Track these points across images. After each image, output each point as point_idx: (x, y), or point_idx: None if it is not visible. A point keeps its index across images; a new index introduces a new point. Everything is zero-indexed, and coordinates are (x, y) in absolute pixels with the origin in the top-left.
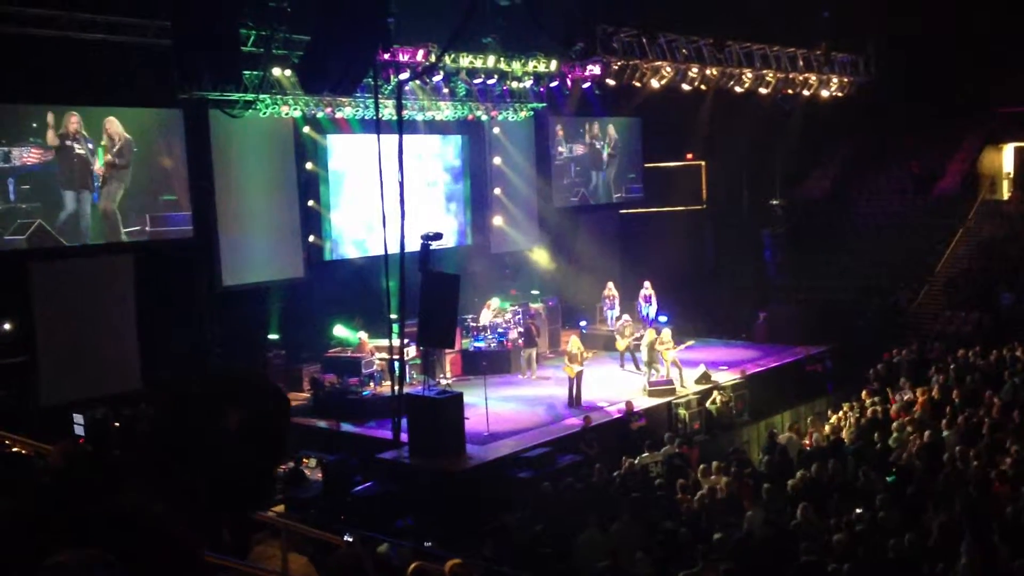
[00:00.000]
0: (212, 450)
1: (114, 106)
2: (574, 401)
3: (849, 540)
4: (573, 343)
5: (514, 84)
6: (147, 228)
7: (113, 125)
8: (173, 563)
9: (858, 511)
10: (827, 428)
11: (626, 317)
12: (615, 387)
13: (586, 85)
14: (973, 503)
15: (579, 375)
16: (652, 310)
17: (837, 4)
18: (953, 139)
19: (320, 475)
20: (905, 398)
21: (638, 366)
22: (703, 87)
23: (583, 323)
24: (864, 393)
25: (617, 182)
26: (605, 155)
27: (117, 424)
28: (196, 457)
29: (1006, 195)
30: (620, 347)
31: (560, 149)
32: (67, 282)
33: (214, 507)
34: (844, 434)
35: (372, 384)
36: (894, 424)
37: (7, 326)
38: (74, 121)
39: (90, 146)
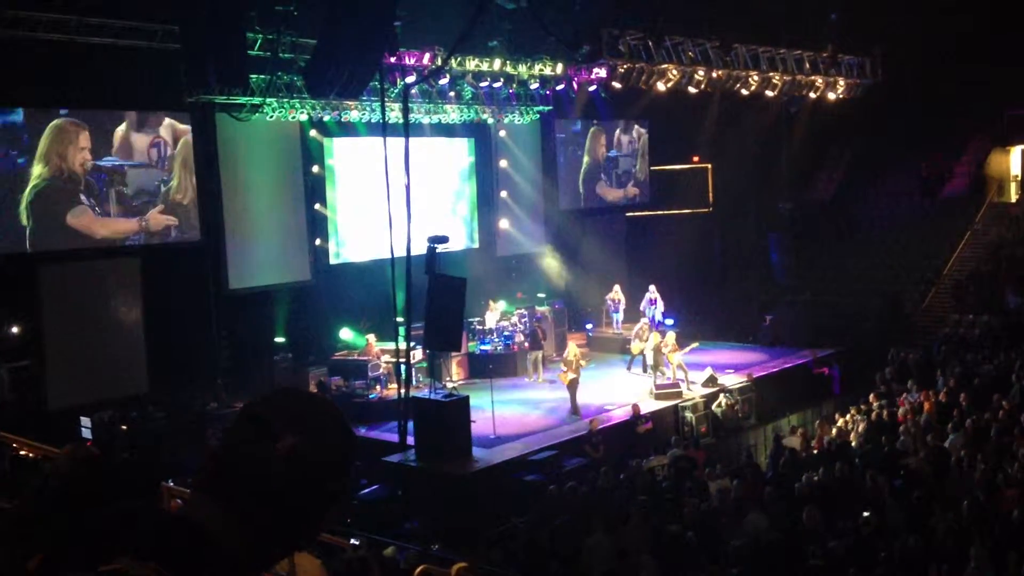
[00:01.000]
0: (257, 473)
1: (122, 109)
2: (575, 410)
3: (856, 543)
4: (570, 350)
5: (520, 87)
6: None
7: (121, 135)
8: None
9: (865, 514)
10: (834, 431)
11: (644, 321)
12: (622, 390)
13: (592, 88)
14: (980, 507)
15: (573, 382)
16: (658, 313)
17: (844, 6)
18: (960, 141)
19: None
20: (912, 401)
21: (646, 369)
22: (709, 90)
23: (589, 326)
24: (871, 396)
25: (623, 184)
26: (611, 157)
27: (124, 427)
28: (242, 479)
29: (1014, 197)
30: (635, 350)
31: (566, 151)
32: (74, 285)
33: (250, 536)
34: (851, 437)
35: (378, 387)
36: (901, 427)
37: (15, 329)
38: (84, 138)
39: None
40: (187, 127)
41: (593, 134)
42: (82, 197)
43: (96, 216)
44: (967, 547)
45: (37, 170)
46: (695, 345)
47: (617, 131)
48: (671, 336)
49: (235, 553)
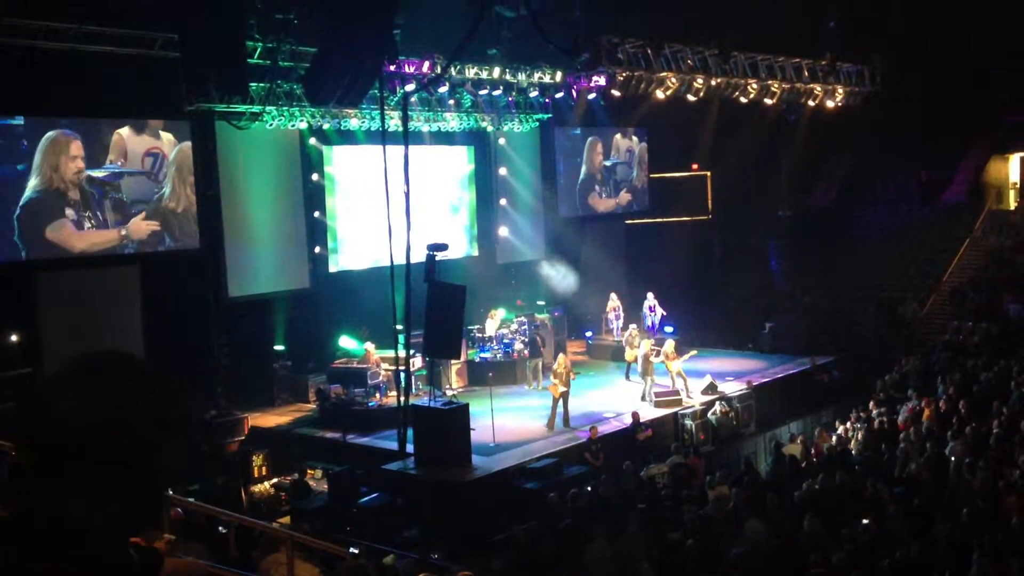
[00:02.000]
0: (49, 448)
1: (121, 118)
2: (565, 421)
3: (857, 551)
4: (560, 362)
5: (519, 95)
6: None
7: (120, 139)
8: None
9: (865, 522)
10: (834, 438)
11: (633, 327)
12: (622, 398)
13: (591, 96)
14: (981, 514)
15: (564, 395)
16: (656, 320)
17: (843, 14)
18: (959, 149)
19: (326, 486)
20: (912, 408)
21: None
22: (708, 98)
23: (589, 334)
24: (871, 403)
25: (623, 192)
26: (610, 165)
27: None
28: (41, 457)
29: (1012, 205)
30: (629, 358)
31: (565, 159)
32: (73, 293)
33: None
34: (851, 444)
35: (378, 395)
36: (901, 435)
37: (13, 337)
38: (76, 147)
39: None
40: (185, 135)
41: (590, 144)
42: (67, 211)
43: (74, 230)
44: (968, 554)
45: (32, 182)
46: (693, 353)
47: (616, 139)
48: (670, 344)
49: (65, 524)
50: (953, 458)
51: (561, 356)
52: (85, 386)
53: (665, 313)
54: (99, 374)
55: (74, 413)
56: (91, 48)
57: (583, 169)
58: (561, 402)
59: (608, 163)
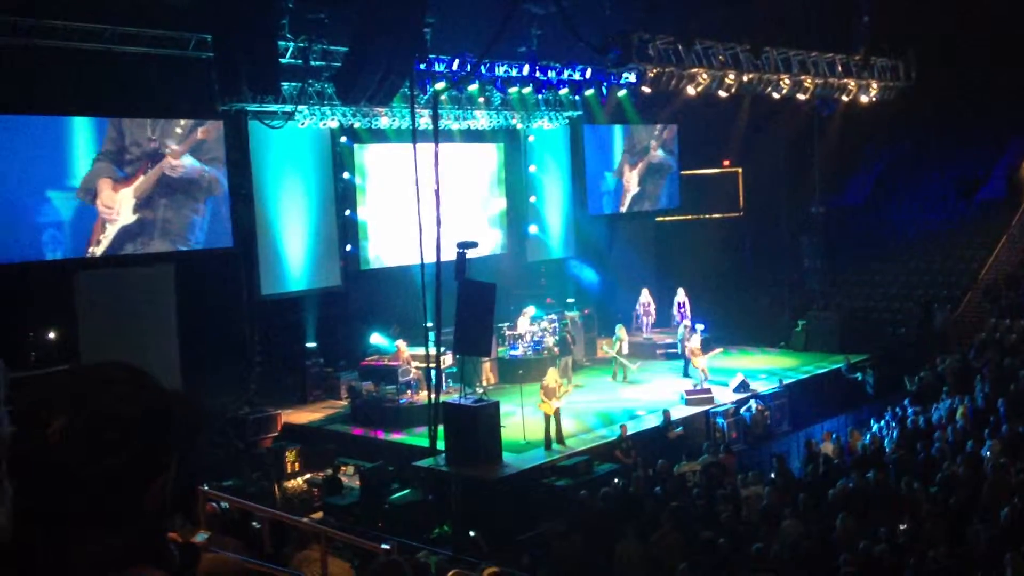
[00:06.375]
0: (33, 467)
1: (155, 118)
2: (550, 442)
3: (891, 551)
4: (550, 375)
5: (549, 92)
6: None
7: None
8: None
9: (903, 527)
10: (868, 437)
11: (685, 322)
12: (652, 395)
13: (622, 93)
14: (1018, 514)
15: (556, 412)
16: (688, 317)
17: (877, 9)
18: (996, 144)
19: (358, 482)
20: (948, 407)
21: (687, 373)
22: (740, 94)
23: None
24: (906, 402)
25: (653, 189)
26: (641, 162)
27: None
28: (23, 478)
29: None
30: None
31: (595, 156)
32: (110, 291)
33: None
34: (886, 444)
35: (409, 392)
36: (937, 434)
37: (51, 335)
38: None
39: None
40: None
41: (622, 138)
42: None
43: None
44: (1002, 555)
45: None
46: (719, 351)
47: (646, 135)
48: (696, 339)
49: (49, 555)
50: (990, 458)
51: (551, 371)
52: (84, 402)
53: (691, 312)
54: (100, 389)
55: (70, 432)
56: (127, 49)
57: (615, 165)
58: (553, 419)
59: (641, 159)
